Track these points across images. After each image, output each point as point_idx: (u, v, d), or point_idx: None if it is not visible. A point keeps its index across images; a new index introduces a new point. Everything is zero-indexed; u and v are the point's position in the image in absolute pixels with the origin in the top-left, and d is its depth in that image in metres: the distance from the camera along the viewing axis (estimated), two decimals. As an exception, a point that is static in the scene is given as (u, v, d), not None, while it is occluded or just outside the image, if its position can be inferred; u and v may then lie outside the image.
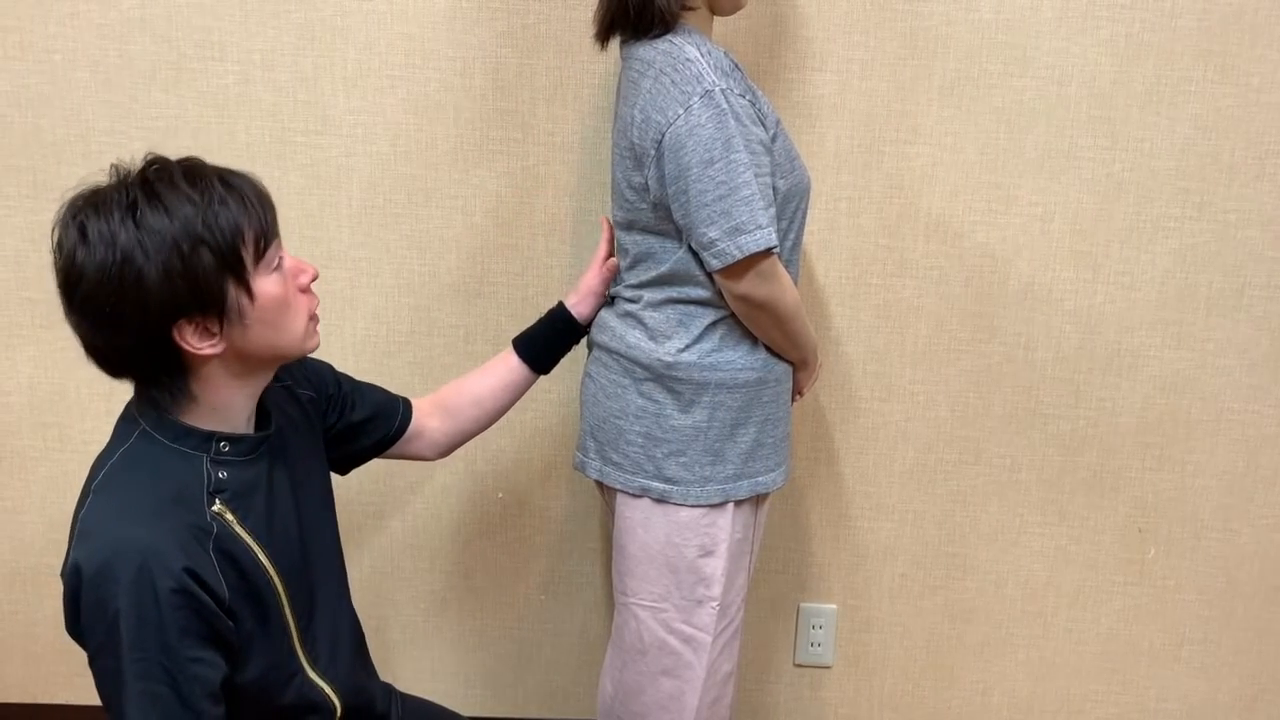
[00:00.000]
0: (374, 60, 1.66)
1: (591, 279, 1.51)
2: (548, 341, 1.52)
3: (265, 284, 1.09)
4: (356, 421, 1.38)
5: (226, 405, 1.13)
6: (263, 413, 1.20)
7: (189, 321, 1.05)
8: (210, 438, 1.12)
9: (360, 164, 1.71)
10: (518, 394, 1.52)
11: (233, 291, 1.07)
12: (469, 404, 1.49)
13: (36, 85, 1.67)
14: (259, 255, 1.08)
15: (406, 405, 1.44)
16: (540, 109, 1.67)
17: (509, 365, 1.51)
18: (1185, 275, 1.75)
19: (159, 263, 1.02)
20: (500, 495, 1.87)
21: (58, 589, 1.97)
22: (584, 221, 1.73)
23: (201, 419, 1.12)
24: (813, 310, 1.75)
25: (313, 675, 1.22)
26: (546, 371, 1.54)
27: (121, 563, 1.03)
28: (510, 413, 1.81)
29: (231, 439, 1.13)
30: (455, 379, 1.51)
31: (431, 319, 1.77)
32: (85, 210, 1.03)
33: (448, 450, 1.50)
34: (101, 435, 1.87)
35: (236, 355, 1.10)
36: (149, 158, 1.08)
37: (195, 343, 1.06)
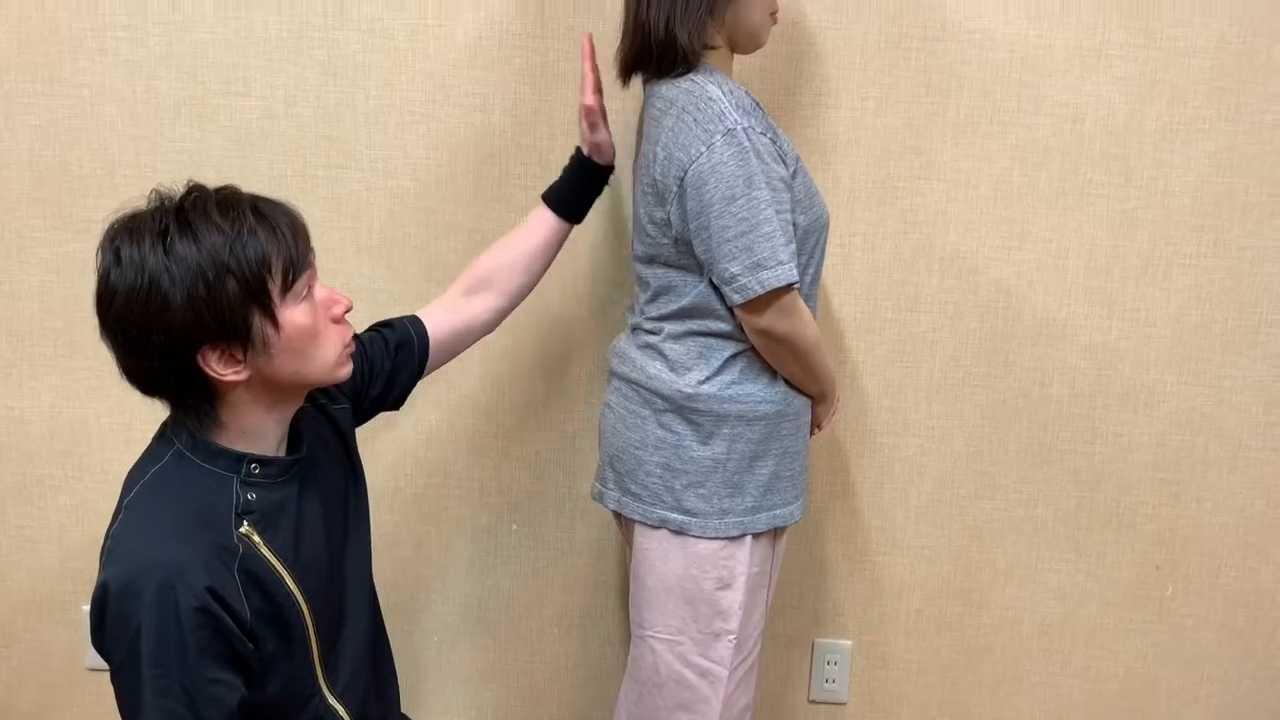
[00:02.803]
0: (395, 97, 1.69)
1: (585, 129, 1.49)
2: (577, 189, 1.53)
3: (292, 314, 1.11)
4: (377, 393, 1.39)
5: (255, 430, 1.15)
6: (295, 434, 1.21)
7: (213, 348, 1.08)
8: (241, 459, 1.13)
9: (380, 198, 1.73)
10: (557, 249, 1.53)
11: (258, 321, 1.08)
12: (515, 274, 1.49)
13: (65, 120, 1.70)
14: (287, 286, 1.10)
15: (419, 328, 1.42)
16: (559, 145, 1.69)
17: (546, 222, 1.51)
18: (1200, 312, 1.75)
19: (184, 289, 1.04)
20: (515, 526, 1.87)
21: (73, 617, 1.98)
22: (602, 254, 1.75)
23: (231, 441, 1.14)
24: (828, 344, 1.75)
25: (330, 698, 1.22)
26: (580, 220, 1.54)
27: (145, 580, 1.05)
28: (525, 444, 1.82)
29: (262, 461, 1.15)
30: (487, 251, 1.51)
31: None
32: (122, 234, 1.07)
33: (501, 319, 1.52)
34: (120, 465, 1.88)
35: (263, 382, 1.12)
36: (189, 185, 1.11)
37: (219, 369, 1.08)
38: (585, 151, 1.51)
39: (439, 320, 1.45)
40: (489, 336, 1.78)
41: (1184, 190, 1.70)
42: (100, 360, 1.79)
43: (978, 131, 1.69)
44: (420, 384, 1.78)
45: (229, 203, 1.09)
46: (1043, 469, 1.82)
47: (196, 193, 1.10)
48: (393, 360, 1.39)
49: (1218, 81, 1.66)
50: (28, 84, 1.68)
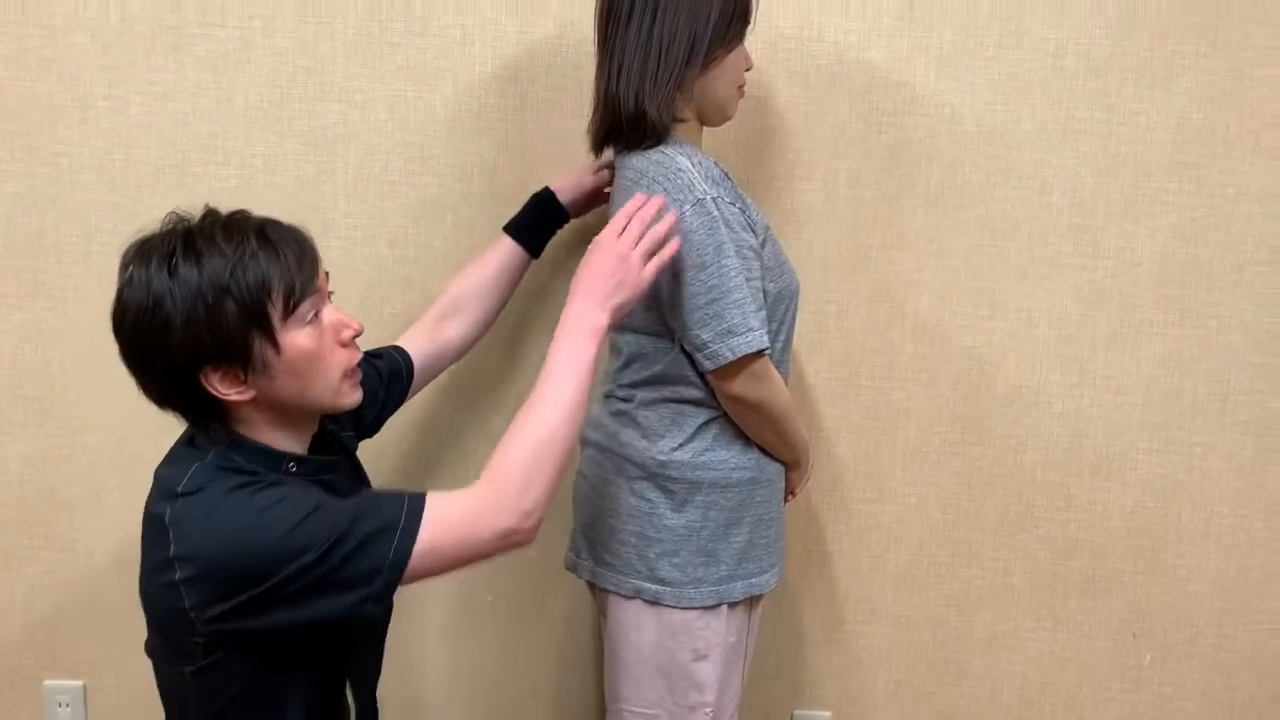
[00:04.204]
0: (374, 166, 1.71)
1: (583, 173, 1.59)
2: (534, 222, 1.59)
3: (294, 337, 1.13)
4: (370, 421, 1.43)
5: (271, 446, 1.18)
6: (325, 450, 1.26)
7: (215, 368, 1.11)
8: (281, 458, 1.17)
9: (359, 266, 1.73)
10: (515, 278, 1.60)
11: (258, 343, 1.11)
12: (476, 297, 1.55)
13: (42, 187, 1.70)
14: (288, 309, 1.13)
15: (406, 359, 1.48)
16: (536, 214, 1.71)
17: (503, 248, 1.57)
18: (1170, 380, 1.77)
19: (185, 311, 1.08)
20: (489, 598, 1.85)
21: (35, 692, 1.92)
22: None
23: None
24: (803, 411, 1.76)
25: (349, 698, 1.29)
26: (537, 254, 1.60)
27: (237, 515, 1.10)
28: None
29: (298, 460, 1.18)
30: (455, 278, 1.57)
31: (425, 417, 1.78)
32: (136, 256, 1.12)
33: (470, 347, 1.58)
34: (89, 535, 1.86)
35: (269, 403, 1.15)
36: (204, 210, 1.15)
37: (222, 389, 1.12)
38: (561, 198, 1.58)
39: (420, 348, 1.50)
40: (460, 402, 1.78)
41: (1150, 260, 1.73)
42: (70, 430, 1.78)
43: (948, 203, 1.72)
44: (401, 447, 1.78)
45: (235, 227, 1.13)
46: (1019, 536, 1.82)
47: (210, 218, 1.14)
48: (386, 389, 1.43)
49: (1179, 156, 1.70)
50: (6, 151, 1.69)
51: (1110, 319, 1.75)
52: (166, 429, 1.76)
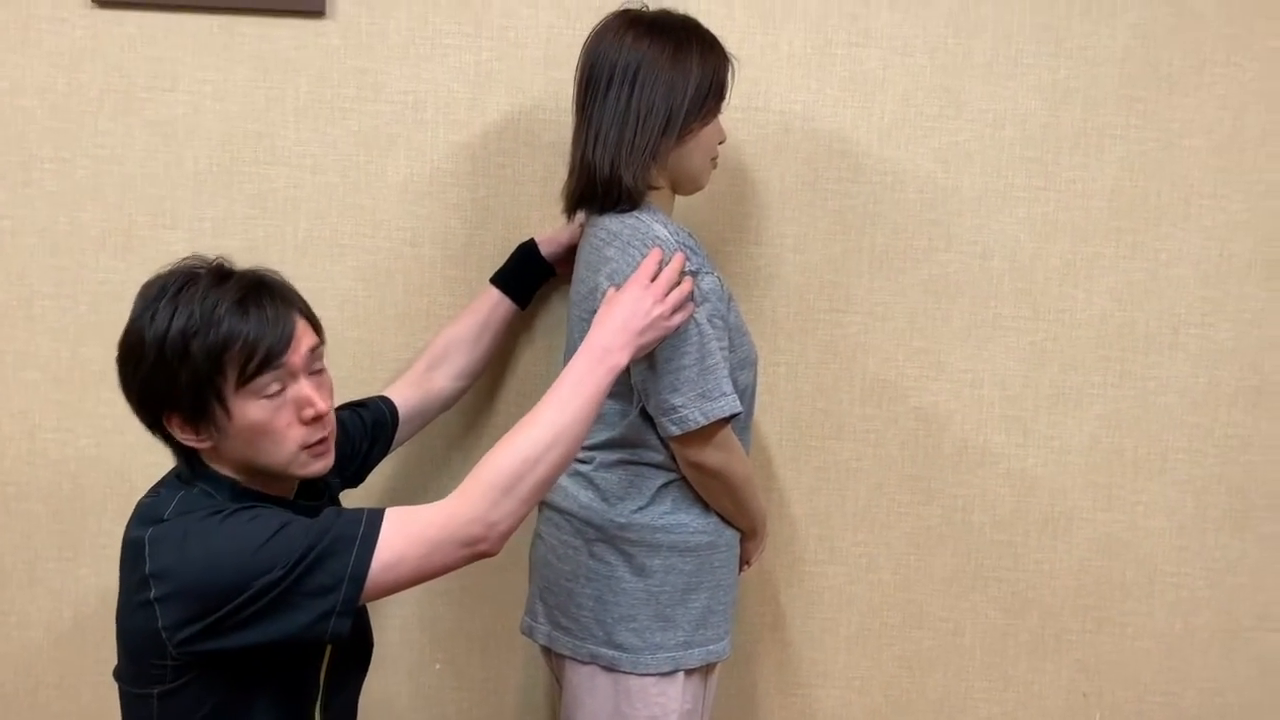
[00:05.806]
0: (324, 229, 1.70)
1: (561, 230, 1.62)
2: (519, 273, 1.62)
3: (246, 407, 1.14)
4: (352, 471, 1.46)
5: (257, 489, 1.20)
6: (315, 492, 1.28)
7: (177, 414, 1.13)
8: (264, 500, 1.17)
9: (307, 329, 1.72)
10: (503, 328, 1.62)
11: (212, 402, 1.12)
12: (464, 346, 1.58)
13: (-18, 250, 1.68)
14: (243, 378, 1.12)
15: (391, 408, 1.50)
16: (487, 277, 1.71)
17: (490, 298, 1.61)
18: (1112, 440, 1.81)
19: (153, 355, 1.11)
20: (437, 666, 1.81)
21: (-39, 774, 1.80)
22: (531, 381, 1.75)
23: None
24: (756, 474, 1.77)
25: None
26: (524, 305, 1.63)
27: (209, 526, 1.12)
28: (449, 576, 1.78)
29: (281, 504, 1.18)
30: (443, 328, 1.62)
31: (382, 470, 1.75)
32: (145, 288, 1.15)
33: (459, 396, 1.61)
34: (24, 606, 1.80)
35: (229, 458, 1.17)
36: (214, 260, 1.18)
37: (182, 435, 1.14)
38: (543, 250, 1.61)
39: (407, 396, 1.52)
40: (408, 469, 1.77)
41: (1089, 323, 1.78)
42: (5, 498, 1.73)
43: (891, 267, 1.75)
44: (375, 497, 1.75)
45: (224, 284, 1.14)
46: (969, 597, 1.83)
47: (211, 270, 1.17)
48: (370, 439, 1.45)
49: (1114, 222, 1.75)
50: (-54, 215, 1.67)
51: (1052, 380, 1.79)
52: (105, 498, 1.73)
